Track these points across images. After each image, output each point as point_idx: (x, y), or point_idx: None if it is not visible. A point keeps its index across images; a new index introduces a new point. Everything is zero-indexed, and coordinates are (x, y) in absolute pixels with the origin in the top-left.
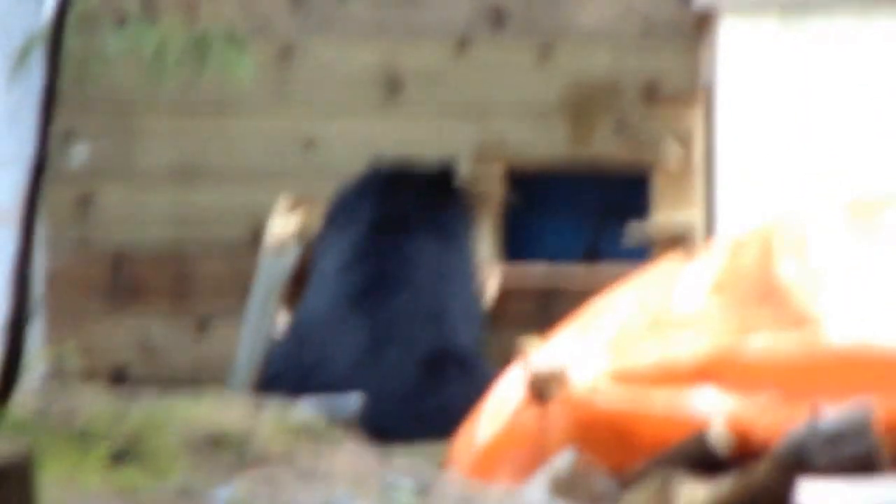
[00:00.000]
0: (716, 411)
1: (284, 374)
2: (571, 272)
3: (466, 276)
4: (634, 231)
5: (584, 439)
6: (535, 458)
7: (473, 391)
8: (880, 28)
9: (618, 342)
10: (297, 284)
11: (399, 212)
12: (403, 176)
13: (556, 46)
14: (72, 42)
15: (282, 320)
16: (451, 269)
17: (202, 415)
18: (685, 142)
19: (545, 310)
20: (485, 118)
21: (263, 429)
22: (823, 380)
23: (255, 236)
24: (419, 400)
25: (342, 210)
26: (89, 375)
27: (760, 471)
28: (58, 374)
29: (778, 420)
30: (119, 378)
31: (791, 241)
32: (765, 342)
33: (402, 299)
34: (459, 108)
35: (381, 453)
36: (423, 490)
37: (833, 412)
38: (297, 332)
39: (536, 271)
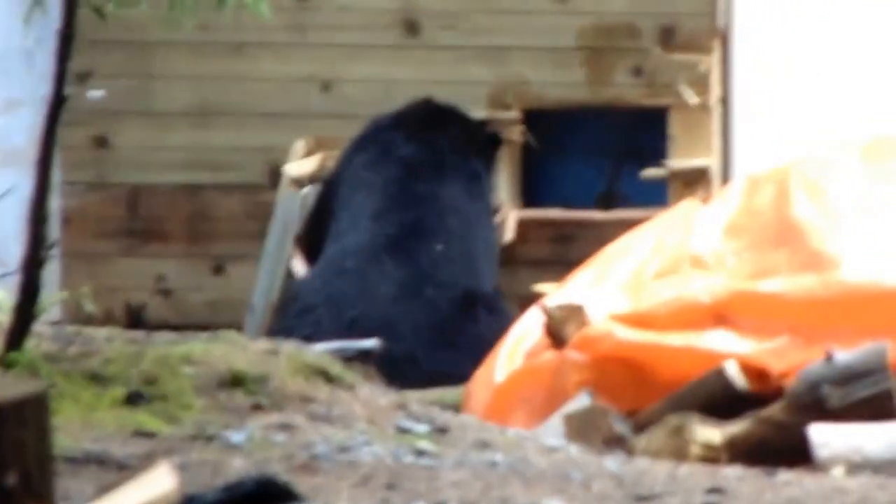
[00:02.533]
0: (732, 351)
1: (317, 308)
2: (588, 215)
3: (488, 220)
4: (651, 174)
5: (600, 380)
6: (551, 399)
7: (499, 331)
8: None
9: (634, 284)
10: (314, 226)
11: (433, 156)
12: (438, 117)
13: None
14: None
15: (297, 263)
16: (477, 215)
17: (218, 357)
18: (702, 84)
19: (562, 252)
20: (502, 60)
21: (279, 371)
22: (839, 321)
23: (273, 177)
24: (453, 333)
25: (375, 141)
26: (105, 317)
27: (775, 411)
28: (73, 316)
29: (794, 361)
30: (135, 319)
31: (807, 182)
32: (781, 283)
33: (437, 245)
34: (477, 50)
35: (398, 397)
36: (440, 432)
37: (848, 353)
38: (332, 267)
39: (553, 214)
